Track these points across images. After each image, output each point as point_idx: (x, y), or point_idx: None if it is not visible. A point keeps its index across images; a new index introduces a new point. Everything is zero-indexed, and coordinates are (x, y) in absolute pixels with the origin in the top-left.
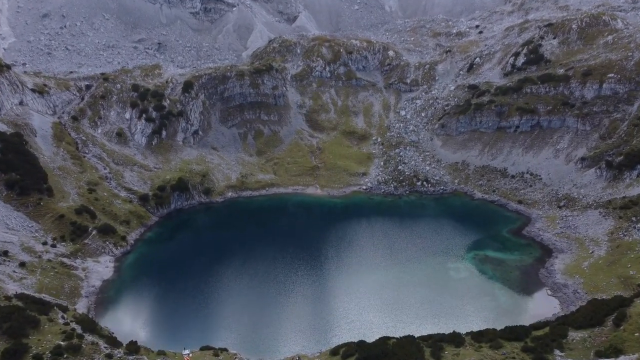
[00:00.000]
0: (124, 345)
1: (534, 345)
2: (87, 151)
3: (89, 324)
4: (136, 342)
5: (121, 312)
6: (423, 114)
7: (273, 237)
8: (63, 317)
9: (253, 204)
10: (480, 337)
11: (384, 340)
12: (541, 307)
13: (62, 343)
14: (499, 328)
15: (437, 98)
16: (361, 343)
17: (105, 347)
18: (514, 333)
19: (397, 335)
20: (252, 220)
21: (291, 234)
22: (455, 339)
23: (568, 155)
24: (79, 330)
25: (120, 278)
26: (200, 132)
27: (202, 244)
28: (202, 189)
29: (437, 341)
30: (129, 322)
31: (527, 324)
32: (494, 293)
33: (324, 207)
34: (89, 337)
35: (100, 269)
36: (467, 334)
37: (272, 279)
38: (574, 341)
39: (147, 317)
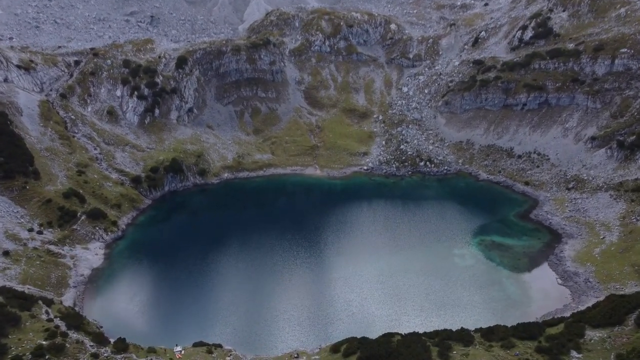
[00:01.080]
0: (112, 343)
1: (548, 345)
2: (76, 131)
3: (75, 320)
4: (124, 339)
5: (111, 303)
6: (426, 91)
7: (270, 221)
8: (47, 313)
9: (250, 185)
10: (491, 335)
11: (388, 337)
12: (551, 297)
13: (44, 342)
14: (509, 323)
15: (440, 74)
16: (363, 340)
17: (91, 345)
18: (527, 331)
19: (401, 331)
20: (249, 202)
21: (289, 218)
22: (463, 337)
23: (577, 134)
24: (63, 327)
25: (110, 266)
26: (195, 110)
27: (196, 229)
28: (197, 169)
29: (444, 339)
30: (119, 314)
31: (537, 315)
32: (501, 282)
33: (323, 188)
34: (73, 335)
35: (89, 256)
36: (477, 330)
37: (270, 268)
38: (592, 341)
39: (137, 309)
